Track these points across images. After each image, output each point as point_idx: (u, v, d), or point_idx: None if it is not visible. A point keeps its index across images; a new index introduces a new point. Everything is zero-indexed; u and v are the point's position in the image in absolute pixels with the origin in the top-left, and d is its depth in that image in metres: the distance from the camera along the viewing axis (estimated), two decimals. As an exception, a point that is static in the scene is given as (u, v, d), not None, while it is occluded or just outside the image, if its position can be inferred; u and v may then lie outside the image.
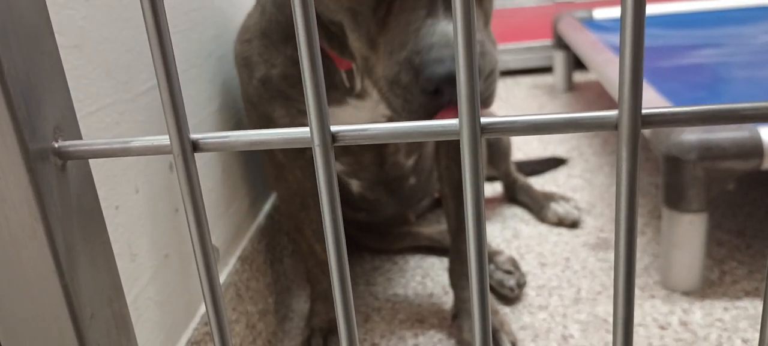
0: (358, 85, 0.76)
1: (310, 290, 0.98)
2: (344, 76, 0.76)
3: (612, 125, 0.24)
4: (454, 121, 0.25)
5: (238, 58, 0.83)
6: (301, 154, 0.86)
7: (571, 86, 2.15)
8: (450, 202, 0.93)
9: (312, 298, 0.97)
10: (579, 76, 2.29)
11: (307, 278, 0.98)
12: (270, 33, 0.77)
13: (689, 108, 0.23)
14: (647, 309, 0.95)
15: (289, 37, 0.75)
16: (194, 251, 0.28)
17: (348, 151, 0.92)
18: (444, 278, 1.10)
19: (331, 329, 0.95)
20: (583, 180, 1.44)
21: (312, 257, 0.94)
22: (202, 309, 0.73)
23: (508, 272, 1.03)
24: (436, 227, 1.21)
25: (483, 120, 0.24)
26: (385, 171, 0.96)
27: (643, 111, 0.23)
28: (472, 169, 0.24)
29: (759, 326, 0.89)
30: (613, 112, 0.23)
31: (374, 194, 1.04)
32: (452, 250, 0.95)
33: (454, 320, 0.96)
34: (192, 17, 0.79)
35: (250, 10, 0.86)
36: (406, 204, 1.12)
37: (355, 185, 1.02)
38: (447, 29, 0.56)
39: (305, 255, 0.95)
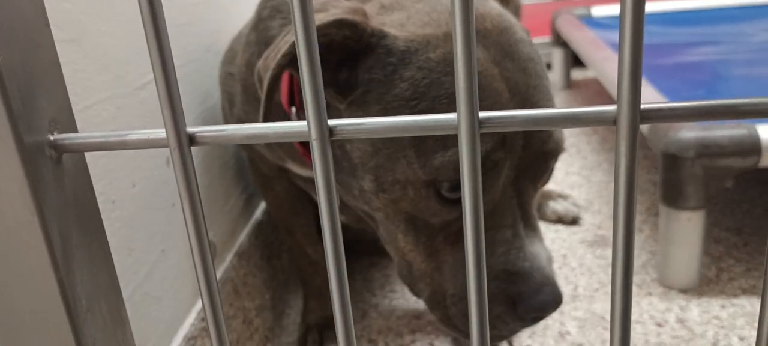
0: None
1: (303, 288, 0.98)
2: None
3: (610, 120, 0.24)
4: (451, 116, 0.25)
5: (222, 83, 0.80)
6: (284, 174, 0.85)
7: (569, 84, 2.15)
8: None
9: (305, 295, 0.97)
10: (577, 74, 2.29)
11: (299, 276, 0.98)
12: (251, 94, 0.72)
13: (687, 103, 0.23)
14: (644, 306, 0.96)
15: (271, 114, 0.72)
16: (191, 245, 0.28)
17: None
18: (441, 274, 1.10)
19: (327, 325, 0.95)
20: (581, 177, 1.44)
21: (303, 257, 0.94)
22: (199, 305, 0.73)
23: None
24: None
25: (481, 114, 0.24)
26: None
27: (642, 106, 0.23)
28: (469, 164, 0.24)
29: (756, 324, 0.89)
30: (612, 107, 0.23)
31: (360, 225, 1.02)
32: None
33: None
34: (190, 12, 0.79)
35: (242, 29, 0.80)
36: None
37: (340, 217, 0.98)
38: (537, 251, 0.53)
39: (297, 256, 0.95)
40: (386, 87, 0.52)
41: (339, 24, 0.50)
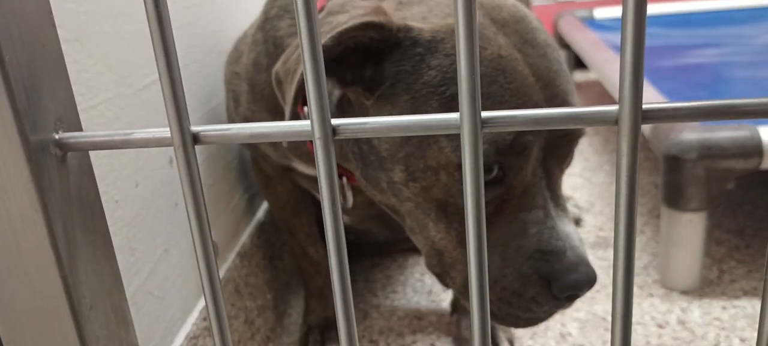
0: (349, 201, 0.72)
1: (304, 288, 0.98)
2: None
3: (612, 120, 0.24)
4: (454, 115, 0.25)
5: (227, 83, 0.80)
6: (287, 174, 0.85)
7: (571, 85, 2.15)
8: None
9: (306, 296, 0.97)
10: (579, 76, 2.29)
11: (301, 276, 0.98)
12: (258, 93, 0.72)
13: (689, 103, 0.23)
14: (646, 308, 0.96)
15: (278, 112, 0.70)
16: (194, 244, 0.28)
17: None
18: (443, 275, 1.10)
19: (328, 325, 0.95)
20: (582, 179, 1.44)
21: (305, 258, 0.94)
22: (201, 304, 0.73)
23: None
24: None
25: (483, 114, 0.24)
26: (376, 208, 0.94)
27: (644, 106, 0.23)
28: (472, 163, 0.24)
29: (757, 326, 0.89)
30: (614, 107, 0.24)
31: (364, 226, 1.01)
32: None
33: (453, 315, 0.96)
34: (193, 12, 0.79)
35: (247, 29, 0.80)
36: (398, 232, 1.09)
37: (343, 218, 0.97)
38: (569, 230, 0.54)
39: (298, 256, 0.95)
40: (414, 76, 0.53)
41: (365, 26, 0.51)
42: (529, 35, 0.55)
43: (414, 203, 0.56)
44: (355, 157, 0.59)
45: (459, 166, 0.52)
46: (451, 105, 0.51)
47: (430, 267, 0.60)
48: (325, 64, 0.50)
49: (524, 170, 0.53)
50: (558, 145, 0.55)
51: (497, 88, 0.51)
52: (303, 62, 0.24)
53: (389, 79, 0.54)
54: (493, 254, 0.54)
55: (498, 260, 0.54)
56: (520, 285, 0.53)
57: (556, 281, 0.52)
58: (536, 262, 0.53)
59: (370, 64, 0.54)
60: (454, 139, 0.52)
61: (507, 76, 0.51)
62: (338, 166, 0.68)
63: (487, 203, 0.54)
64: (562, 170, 0.58)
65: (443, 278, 0.60)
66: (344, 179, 0.70)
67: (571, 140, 0.56)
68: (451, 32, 0.53)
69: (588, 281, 0.52)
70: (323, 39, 0.51)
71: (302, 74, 0.50)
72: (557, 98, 0.54)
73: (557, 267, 0.52)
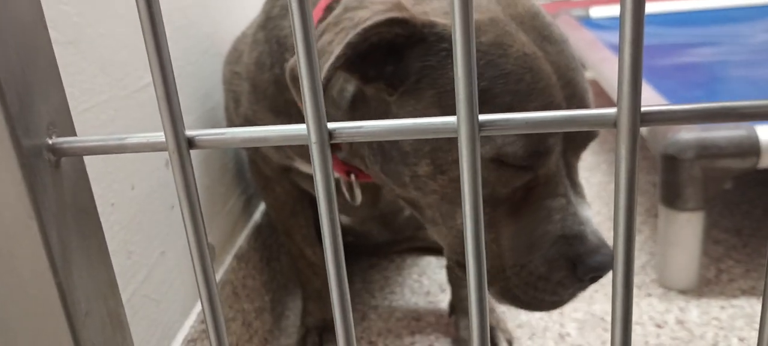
0: (358, 199, 0.72)
1: (302, 290, 0.97)
2: (344, 187, 0.72)
3: (611, 123, 0.23)
4: (451, 119, 0.25)
5: (226, 83, 0.80)
6: (286, 174, 0.85)
7: (568, 85, 2.15)
8: None
9: (304, 298, 0.97)
10: (576, 75, 2.29)
11: (298, 278, 0.98)
12: (260, 92, 0.72)
13: (687, 106, 0.23)
14: (644, 307, 0.96)
15: (281, 112, 0.70)
16: (190, 248, 0.27)
17: (338, 192, 0.88)
18: (441, 276, 1.10)
19: (326, 327, 0.95)
20: (580, 178, 1.44)
21: (302, 259, 0.94)
22: (198, 307, 0.73)
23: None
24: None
25: (481, 117, 0.24)
26: (378, 209, 0.93)
27: (642, 109, 0.23)
28: (469, 166, 0.24)
29: (755, 325, 0.89)
30: (612, 110, 0.23)
31: (364, 227, 1.01)
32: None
33: (451, 317, 0.96)
34: (188, 14, 0.79)
35: (245, 29, 0.79)
36: (399, 233, 1.08)
37: (343, 219, 0.96)
38: (588, 215, 0.56)
39: (296, 258, 0.95)
40: (440, 72, 0.53)
41: (391, 23, 0.51)
42: (546, 31, 0.55)
43: (440, 194, 0.57)
44: (374, 153, 0.59)
45: (489, 160, 0.53)
46: (479, 100, 0.52)
47: (454, 256, 0.60)
48: (349, 60, 0.50)
49: (550, 160, 0.55)
50: (576, 135, 0.56)
51: (524, 86, 0.51)
52: (299, 68, 0.24)
53: (414, 74, 0.54)
54: (520, 241, 0.56)
55: (524, 246, 0.55)
56: (547, 269, 0.55)
57: (581, 264, 0.54)
58: (561, 246, 0.54)
59: (391, 60, 0.55)
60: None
61: (533, 75, 0.52)
62: (347, 163, 0.68)
63: (516, 189, 0.55)
64: (578, 159, 0.59)
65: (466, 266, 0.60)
66: (353, 176, 0.70)
67: (590, 132, 0.57)
68: (476, 28, 0.53)
69: (610, 263, 0.54)
70: (345, 35, 0.51)
71: (332, 69, 0.50)
72: (575, 97, 0.54)
73: (581, 250, 0.54)
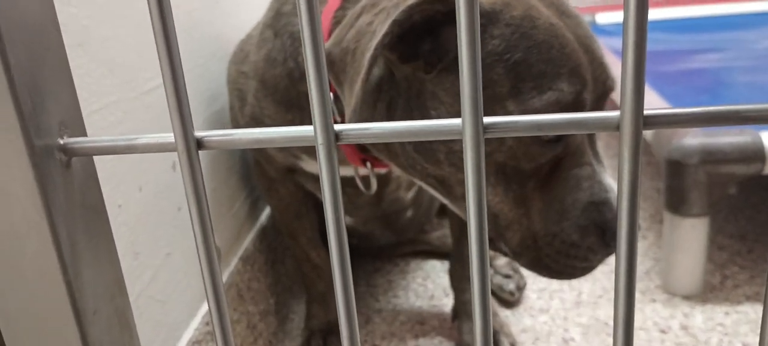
0: (373, 188, 0.72)
1: (306, 293, 0.98)
2: (358, 177, 0.72)
3: (614, 126, 0.24)
4: (456, 121, 0.25)
5: (231, 83, 0.80)
6: (290, 176, 0.85)
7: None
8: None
9: (308, 301, 0.97)
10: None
11: (302, 281, 0.98)
12: (270, 87, 0.72)
13: (691, 109, 0.23)
14: (648, 313, 0.95)
15: (293, 105, 0.70)
16: (197, 248, 0.28)
17: (345, 187, 0.88)
18: (445, 280, 1.10)
19: (330, 330, 0.95)
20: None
21: (307, 262, 0.94)
22: (204, 308, 0.73)
23: (507, 276, 1.03)
24: (435, 232, 1.21)
25: (486, 120, 0.24)
26: (381, 208, 0.94)
27: (645, 112, 0.23)
28: (474, 169, 0.24)
29: (759, 331, 0.89)
30: (616, 113, 0.24)
31: (367, 228, 1.01)
32: (454, 252, 0.95)
33: (455, 321, 0.96)
34: (195, 16, 0.79)
35: (250, 31, 0.80)
36: (401, 235, 1.09)
37: (346, 220, 0.98)
38: (611, 182, 0.57)
39: (300, 260, 0.95)
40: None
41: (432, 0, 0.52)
42: (563, 7, 0.58)
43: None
44: None
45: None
46: (517, 70, 0.53)
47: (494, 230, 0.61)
48: (392, 39, 0.51)
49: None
50: (596, 104, 0.58)
51: (555, 53, 0.53)
52: (306, 67, 0.24)
53: (453, 51, 0.55)
54: (551, 210, 0.57)
55: (556, 215, 0.57)
56: (579, 236, 0.56)
57: (610, 230, 0.56)
58: (590, 213, 0.56)
59: (428, 38, 0.56)
60: (522, 103, 0.54)
61: (560, 41, 0.54)
62: (364, 152, 0.69)
63: (543, 164, 0.57)
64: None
65: (495, 242, 0.62)
66: (368, 165, 0.71)
67: (605, 98, 0.59)
68: (507, 3, 0.55)
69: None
70: (386, 15, 0.52)
71: (379, 47, 0.51)
72: (595, 62, 0.56)
73: (609, 216, 0.56)
